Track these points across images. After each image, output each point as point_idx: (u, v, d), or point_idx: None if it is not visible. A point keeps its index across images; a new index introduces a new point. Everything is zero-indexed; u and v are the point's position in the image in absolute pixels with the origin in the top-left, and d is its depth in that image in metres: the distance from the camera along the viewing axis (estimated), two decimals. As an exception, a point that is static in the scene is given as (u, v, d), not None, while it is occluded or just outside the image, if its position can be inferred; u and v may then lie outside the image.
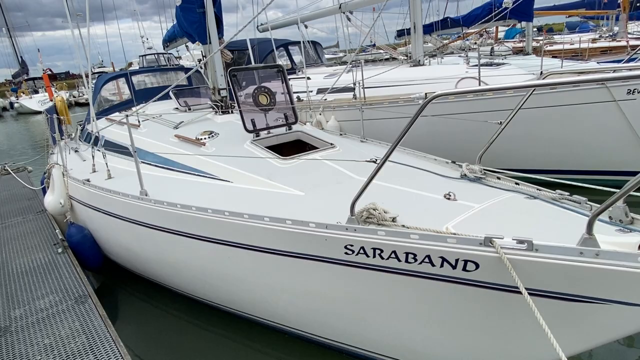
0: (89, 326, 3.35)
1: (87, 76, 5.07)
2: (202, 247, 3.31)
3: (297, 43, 10.95)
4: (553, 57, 10.86)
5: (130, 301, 4.85)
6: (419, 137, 6.30)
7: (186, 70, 7.97)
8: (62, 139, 6.18)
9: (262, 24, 11.84)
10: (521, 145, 6.14)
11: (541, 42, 13.39)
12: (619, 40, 14.89)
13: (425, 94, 2.05)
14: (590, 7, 19.35)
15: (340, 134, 5.40)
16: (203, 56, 5.20)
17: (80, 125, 8.36)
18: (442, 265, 2.28)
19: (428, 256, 2.28)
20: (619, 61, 10.89)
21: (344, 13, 9.65)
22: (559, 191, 2.67)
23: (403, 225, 2.44)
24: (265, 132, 4.50)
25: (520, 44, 16.48)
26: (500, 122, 3.12)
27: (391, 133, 5.45)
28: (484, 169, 3.23)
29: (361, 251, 2.50)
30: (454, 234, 2.24)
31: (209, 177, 3.95)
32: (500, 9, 8.20)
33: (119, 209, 4.05)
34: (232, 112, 5.43)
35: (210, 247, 3.24)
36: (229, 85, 4.22)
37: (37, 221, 5.92)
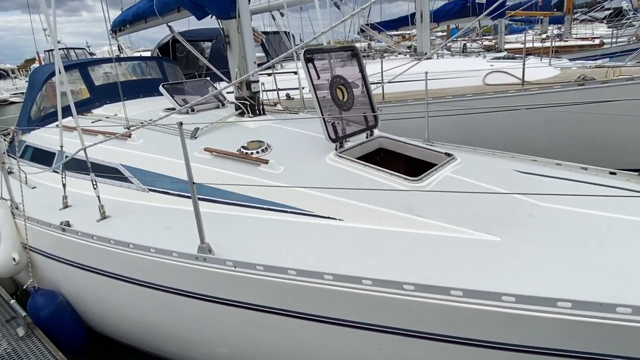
0: None
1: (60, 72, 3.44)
2: (339, 333, 1.98)
3: (270, 33, 9.53)
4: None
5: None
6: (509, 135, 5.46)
7: (164, 60, 6.15)
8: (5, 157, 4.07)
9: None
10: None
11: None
12: (566, 40, 15.56)
13: None
14: (527, 9, 20.18)
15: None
16: (225, 35, 3.71)
17: (7, 136, 6.21)
18: None
19: None
20: (592, 57, 11.11)
21: (331, -1, 8.53)
22: None
23: None
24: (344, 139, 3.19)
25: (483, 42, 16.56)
26: None
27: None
28: None
29: None
30: None
31: (296, 213, 2.57)
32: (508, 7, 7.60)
33: (144, 273, 2.51)
34: (262, 112, 4.01)
35: (350, 334, 1.94)
36: (308, 73, 2.84)
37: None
